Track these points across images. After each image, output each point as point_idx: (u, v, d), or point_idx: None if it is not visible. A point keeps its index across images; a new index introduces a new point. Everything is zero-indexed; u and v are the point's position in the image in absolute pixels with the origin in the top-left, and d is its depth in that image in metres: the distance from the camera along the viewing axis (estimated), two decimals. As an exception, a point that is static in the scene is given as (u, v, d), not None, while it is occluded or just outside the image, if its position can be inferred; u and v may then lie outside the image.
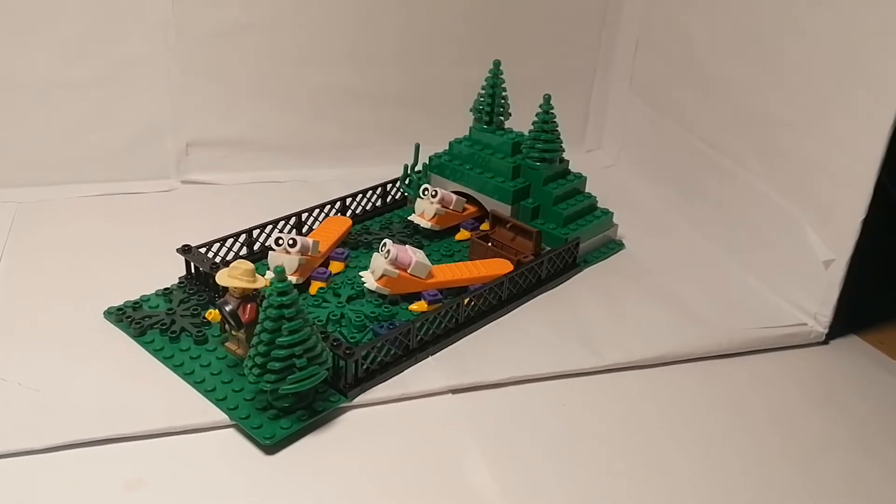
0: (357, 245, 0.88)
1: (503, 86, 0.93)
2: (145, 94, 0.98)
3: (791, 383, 0.76)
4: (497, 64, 0.92)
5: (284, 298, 0.60)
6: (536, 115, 0.89)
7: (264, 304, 0.61)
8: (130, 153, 0.99)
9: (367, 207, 0.96)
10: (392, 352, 0.70)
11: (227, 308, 0.66)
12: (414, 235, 0.91)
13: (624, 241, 0.95)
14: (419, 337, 0.72)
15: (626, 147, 1.16)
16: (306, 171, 1.05)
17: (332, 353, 0.65)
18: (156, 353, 0.70)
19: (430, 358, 0.73)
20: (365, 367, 0.68)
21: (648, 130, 1.10)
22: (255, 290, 0.67)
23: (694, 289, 0.87)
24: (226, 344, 0.70)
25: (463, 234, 0.93)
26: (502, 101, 0.93)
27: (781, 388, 0.75)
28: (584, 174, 0.94)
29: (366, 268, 0.82)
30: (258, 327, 0.61)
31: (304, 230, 0.89)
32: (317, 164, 1.06)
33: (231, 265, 0.67)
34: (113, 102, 0.97)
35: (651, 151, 1.10)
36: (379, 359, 0.69)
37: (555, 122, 0.89)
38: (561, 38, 1.13)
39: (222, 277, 0.67)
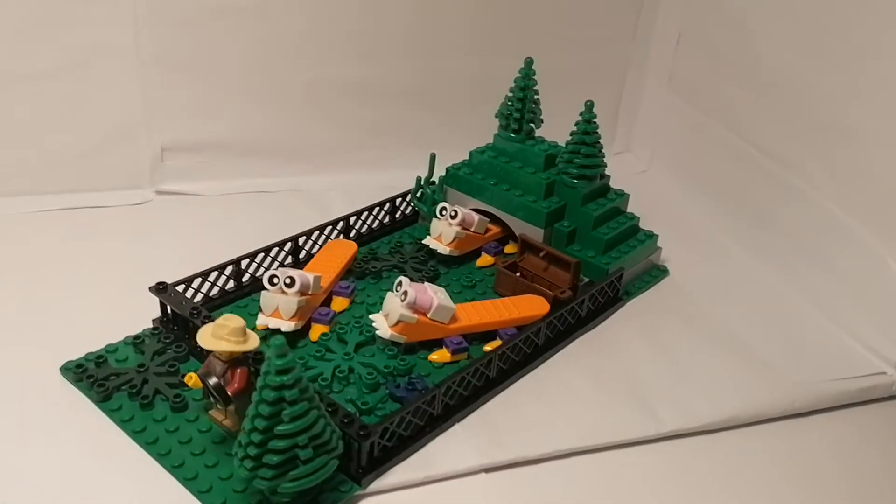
0: (363, 274, 0.76)
1: (535, 87, 0.80)
2: (112, 90, 0.86)
3: (871, 447, 0.66)
4: (529, 63, 0.79)
5: (285, 378, 0.47)
6: (576, 123, 0.77)
7: (259, 383, 0.48)
8: (95, 159, 0.87)
9: (374, 226, 0.84)
10: (413, 424, 0.58)
11: (211, 381, 0.53)
12: (429, 262, 0.79)
13: (667, 266, 0.84)
14: (443, 401, 0.60)
15: (661, 151, 1.05)
16: (300, 179, 0.95)
17: (342, 434, 0.53)
18: (123, 424, 0.57)
19: (456, 426, 0.61)
20: (381, 444, 0.56)
21: (690, 134, 0.99)
22: (246, 352, 0.55)
23: (754, 329, 0.76)
24: (210, 412, 0.58)
25: (485, 260, 0.81)
26: (533, 105, 0.80)
27: (860, 454, 0.65)
28: (624, 190, 0.82)
29: (374, 304, 0.72)
30: (251, 409, 0.49)
31: (302, 256, 0.77)
32: (312, 170, 0.96)
33: (216, 322, 0.55)
34: (74, 99, 0.85)
35: (693, 158, 0.99)
36: (398, 433, 0.57)
37: (597, 133, 0.76)
38: (590, 25, 1.02)
39: (205, 338, 0.54)
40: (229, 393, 0.54)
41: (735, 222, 0.91)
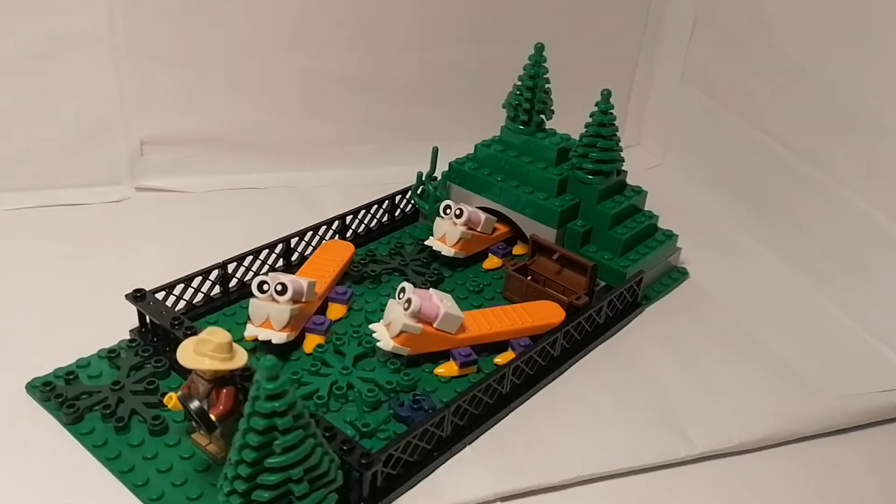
0: (361, 278, 0.70)
1: (546, 76, 0.74)
2: (88, 81, 0.80)
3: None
4: (539, 49, 0.73)
5: (276, 404, 0.41)
6: (591, 114, 0.71)
7: (248, 409, 0.42)
8: (69, 153, 0.81)
9: (372, 225, 0.78)
10: (420, 448, 0.52)
11: (193, 406, 0.47)
12: (431, 264, 0.73)
13: (686, 267, 0.78)
14: (453, 422, 0.54)
15: (675, 145, 0.99)
16: (292, 175, 0.89)
17: (342, 463, 0.47)
18: (95, 450, 0.51)
19: (467, 448, 0.55)
20: (385, 473, 0.50)
21: (705, 126, 0.94)
22: (232, 370, 0.49)
23: (782, 337, 0.71)
24: (192, 436, 0.52)
25: (492, 262, 0.75)
26: (544, 94, 0.74)
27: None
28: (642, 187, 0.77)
29: (373, 312, 0.66)
30: (238, 437, 0.43)
31: (294, 259, 0.71)
32: (305, 165, 0.90)
33: (198, 336, 0.49)
34: (47, 91, 0.79)
35: (708, 152, 0.93)
36: (404, 460, 0.51)
37: (614, 124, 0.71)
38: (599, 12, 0.96)
39: (187, 355, 0.48)
40: (213, 417, 0.48)
41: (756, 221, 0.85)
